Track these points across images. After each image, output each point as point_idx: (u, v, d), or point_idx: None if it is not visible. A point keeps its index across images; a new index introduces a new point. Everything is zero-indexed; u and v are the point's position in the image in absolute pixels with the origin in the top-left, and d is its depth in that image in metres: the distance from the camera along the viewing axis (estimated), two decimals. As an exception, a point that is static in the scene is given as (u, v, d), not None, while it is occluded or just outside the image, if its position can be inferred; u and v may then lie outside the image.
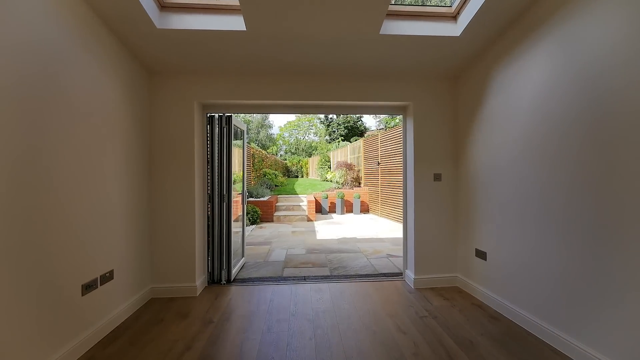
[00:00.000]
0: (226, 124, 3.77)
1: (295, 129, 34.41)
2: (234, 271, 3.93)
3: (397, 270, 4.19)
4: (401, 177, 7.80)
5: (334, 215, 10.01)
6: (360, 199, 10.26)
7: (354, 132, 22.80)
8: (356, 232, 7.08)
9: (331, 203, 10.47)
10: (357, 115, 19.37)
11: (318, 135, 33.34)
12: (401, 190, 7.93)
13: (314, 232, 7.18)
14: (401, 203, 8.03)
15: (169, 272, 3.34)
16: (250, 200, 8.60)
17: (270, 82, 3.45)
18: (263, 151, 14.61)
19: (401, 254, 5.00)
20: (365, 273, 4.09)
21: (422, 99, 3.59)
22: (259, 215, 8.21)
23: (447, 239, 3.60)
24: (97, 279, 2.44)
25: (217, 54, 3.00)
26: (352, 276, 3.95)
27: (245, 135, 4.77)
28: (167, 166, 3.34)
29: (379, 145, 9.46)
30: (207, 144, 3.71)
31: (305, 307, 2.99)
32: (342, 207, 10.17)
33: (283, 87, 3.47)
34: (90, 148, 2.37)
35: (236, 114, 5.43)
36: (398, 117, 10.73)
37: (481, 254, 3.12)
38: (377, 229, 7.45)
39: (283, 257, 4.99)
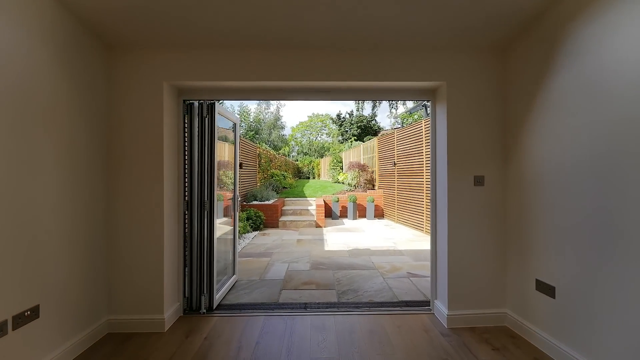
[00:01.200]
0: (208, 114, 3.04)
1: (307, 130, 33.80)
2: (218, 295, 3.19)
3: (422, 297, 3.34)
4: (421, 179, 6.88)
5: (345, 220, 9.18)
6: (374, 203, 9.39)
7: (367, 131, 21.89)
8: (370, 242, 6.23)
9: (342, 207, 9.65)
10: (370, 114, 18.46)
11: (331, 135, 32.54)
12: (420, 193, 7.01)
13: (322, 241, 6.38)
14: (420, 208, 7.12)
15: (130, 301, 2.63)
16: (253, 204, 7.91)
17: (263, 58, 2.69)
18: (271, 151, 13.96)
19: (425, 273, 4.13)
20: (382, 300, 3.26)
21: (459, 78, 2.74)
22: (263, 220, 7.51)
23: (492, 264, 2.73)
24: (5, 322, 1.73)
25: (193, 20, 2.26)
26: (365, 304, 3.13)
27: (239, 129, 4.04)
28: (130, 166, 2.63)
29: (395, 144, 8.58)
30: (185, 138, 2.99)
31: (302, 356, 2.20)
32: (355, 212, 9.33)
33: (280, 64, 2.70)
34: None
35: (222, 101, 4.71)
36: (417, 113, 9.80)
37: (546, 288, 2.24)
38: (394, 238, 6.57)
39: (283, 274, 4.22)
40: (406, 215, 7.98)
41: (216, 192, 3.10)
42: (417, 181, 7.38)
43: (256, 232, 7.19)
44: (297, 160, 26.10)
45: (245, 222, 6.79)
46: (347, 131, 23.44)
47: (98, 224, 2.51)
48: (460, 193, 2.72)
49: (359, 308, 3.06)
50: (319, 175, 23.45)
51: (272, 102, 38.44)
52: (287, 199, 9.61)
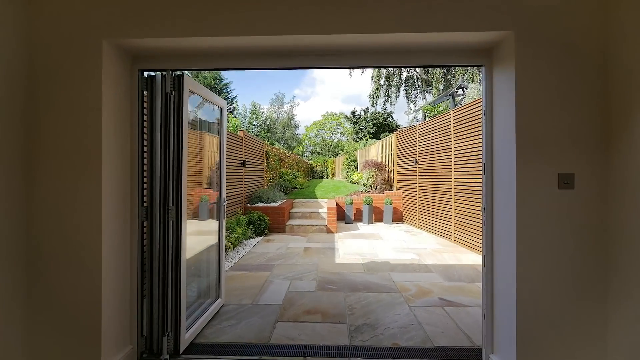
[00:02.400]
0: (174, 89, 2.26)
1: (321, 129, 32.98)
2: (191, 331, 2.41)
3: (466, 342, 2.43)
4: (448, 179, 5.89)
5: (359, 224, 8.28)
6: (393, 206, 8.44)
7: (383, 129, 20.84)
8: (389, 253, 5.31)
9: (357, 210, 8.75)
10: (387, 111, 17.37)
11: (345, 134, 31.59)
12: (447, 196, 6.02)
13: (332, 250, 5.53)
14: (448, 213, 6.13)
15: (56, 349, 1.88)
16: (257, 207, 7.15)
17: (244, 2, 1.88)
18: (281, 149, 13.23)
19: (462, 299, 3.20)
20: (411, 345, 2.38)
21: (536, 25, 1.82)
22: (267, 224, 6.74)
23: (587, 307, 1.79)
24: None
25: None
26: (386, 351, 2.26)
27: (225, 116, 3.25)
28: (57, 162, 1.88)
29: (417, 139, 7.60)
30: (144, 123, 2.23)
31: None
32: (370, 215, 8.40)
33: (274, 8, 1.88)
34: None
35: (194, 72, 3.92)
36: (442, 104, 8.75)
37: None
38: (417, 248, 5.62)
39: (282, 296, 3.40)
40: (430, 221, 6.99)
41: (185, 194, 2.30)
42: (443, 182, 6.39)
43: (259, 238, 6.42)
44: (311, 160, 25.32)
45: (247, 226, 6.04)
46: (362, 129, 22.46)
47: (15, 244, 1.77)
48: (536, 199, 1.80)
49: (380, 358, 2.19)
50: (332, 175, 22.56)
51: (285, 101, 38.00)
52: (296, 200, 8.82)
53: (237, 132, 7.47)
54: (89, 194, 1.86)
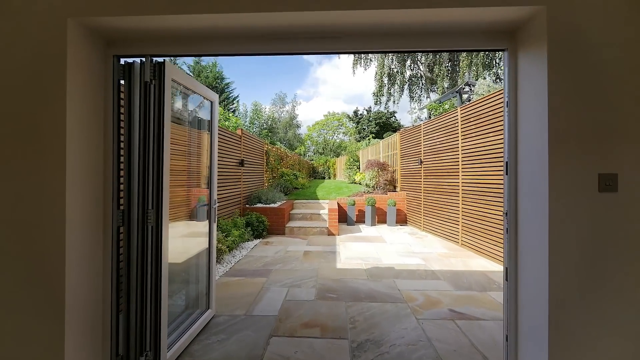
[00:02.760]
0: (155, 78, 2.01)
1: (323, 129, 32.74)
2: (175, 347, 2.17)
3: (483, 365, 2.15)
4: (455, 180, 5.61)
5: (362, 226, 8.01)
6: (396, 207, 8.16)
7: (386, 128, 20.55)
8: (393, 257, 5.04)
9: (359, 211, 8.49)
10: (390, 110, 17.07)
11: (348, 134, 31.32)
12: (454, 197, 5.74)
13: (334, 254, 5.26)
14: (455, 215, 5.84)
15: (12, 374, 1.63)
16: (256, 208, 6.90)
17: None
18: (282, 148, 12.99)
19: (475, 311, 2.93)
20: (420, 367, 2.11)
21: (569, 0, 1.55)
22: (266, 226, 6.48)
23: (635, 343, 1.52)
24: None
25: None
26: (394, 377, 1.99)
27: (217, 110, 3.00)
28: (10, 160, 1.64)
29: (422, 138, 7.32)
30: (119, 116, 1.98)
31: None
32: (373, 217, 8.13)
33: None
34: None
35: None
36: (448, 102, 8.45)
37: None
38: (423, 252, 5.35)
39: (278, 305, 3.14)
40: (435, 223, 6.71)
41: (167, 195, 2.05)
42: (449, 182, 6.11)
43: (258, 241, 6.17)
44: (313, 160, 25.08)
45: (244, 229, 5.79)
46: (364, 128, 22.19)
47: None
48: (572, 203, 1.53)
49: (385, 383, 1.93)
50: (334, 176, 22.31)
51: (287, 100, 37.82)
52: (296, 201, 8.56)
53: (235, 130, 7.23)
54: (50, 197, 1.62)
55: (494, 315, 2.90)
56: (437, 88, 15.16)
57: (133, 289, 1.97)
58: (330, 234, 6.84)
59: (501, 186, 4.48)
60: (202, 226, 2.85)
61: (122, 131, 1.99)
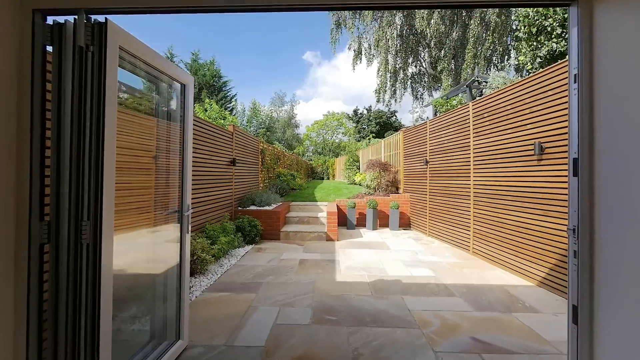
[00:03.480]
0: (94, 43, 1.49)
1: (322, 129, 32.25)
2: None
3: None
4: (466, 181, 5.10)
5: (363, 231, 7.49)
6: (399, 210, 7.65)
7: (386, 128, 20.06)
8: (399, 267, 4.53)
9: (360, 214, 7.97)
10: (391, 109, 16.53)
11: (347, 134, 30.82)
12: (465, 200, 5.22)
13: (333, 263, 4.74)
14: (465, 220, 5.33)
15: None
16: (249, 210, 6.38)
17: None
18: (279, 147, 12.48)
19: (502, 339, 2.40)
20: None
21: None
22: (260, 231, 5.96)
23: None
24: None
25: None
26: None
27: (192, 96, 2.48)
28: None
29: (428, 136, 6.81)
30: (43, 95, 1.46)
31: None
32: (375, 221, 7.62)
33: None
34: None
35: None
36: (456, 98, 7.93)
37: None
38: (431, 261, 4.84)
39: (266, 332, 2.62)
40: (443, 228, 6.20)
41: (111, 201, 1.53)
42: (459, 184, 5.60)
43: (250, 247, 5.65)
44: (311, 160, 24.57)
45: (234, 235, 5.26)
46: (364, 128, 21.70)
47: None
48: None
49: None
50: (333, 176, 21.82)
51: (286, 100, 37.33)
52: (293, 203, 8.04)
53: (226, 127, 6.70)
54: None
55: (527, 347, 2.39)
56: (440, 86, 14.63)
57: (62, 332, 1.45)
58: (329, 239, 6.32)
59: (524, 189, 3.98)
60: (174, 237, 2.33)
61: (48, 115, 1.47)
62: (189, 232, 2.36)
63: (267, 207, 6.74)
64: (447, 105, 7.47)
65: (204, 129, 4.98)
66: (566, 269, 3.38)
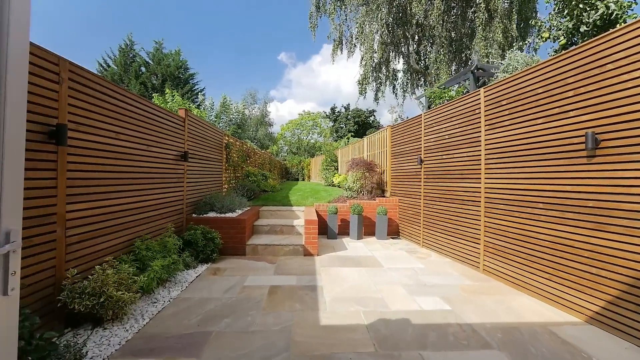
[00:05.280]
0: None
1: (297, 128, 30.94)
2: None
3: None
4: (476, 183, 4.18)
5: (346, 241, 6.38)
6: (387, 216, 6.65)
7: (365, 127, 19.25)
8: (401, 295, 3.45)
9: (342, 220, 6.87)
10: (376, 102, 15.57)
11: (322, 135, 29.78)
12: (475, 206, 4.28)
13: (314, 291, 3.56)
14: (475, 230, 4.39)
15: None
16: (205, 218, 5.01)
17: None
18: (249, 143, 11.09)
19: None
20: None
21: None
22: (218, 245, 4.63)
23: None
24: None
25: None
26: None
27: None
28: None
29: (423, 131, 5.87)
30: None
31: None
32: (360, 228, 6.55)
33: None
34: None
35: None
36: (457, 87, 7.08)
37: None
38: (438, 285, 3.82)
39: None
40: (441, 239, 5.25)
41: None
42: (465, 187, 4.67)
43: (204, 268, 4.30)
44: (285, 160, 23.22)
45: (178, 254, 3.89)
46: (342, 127, 20.76)
47: None
48: None
49: None
50: (309, 177, 20.66)
51: (259, 97, 35.62)
52: (264, 207, 6.75)
53: (176, 110, 5.29)
54: None
55: None
56: (429, 81, 13.83)
57: None
58: (307, 253, 5.12)
59: (565, 194, 3.06)
60: None
61: None
62: (12, 289, 1.06)
63: (230, 214, 5.40)
64: (446, 97, 6.62)
65: (132, 105, 3.59)
66: (635, 303, 2.47)
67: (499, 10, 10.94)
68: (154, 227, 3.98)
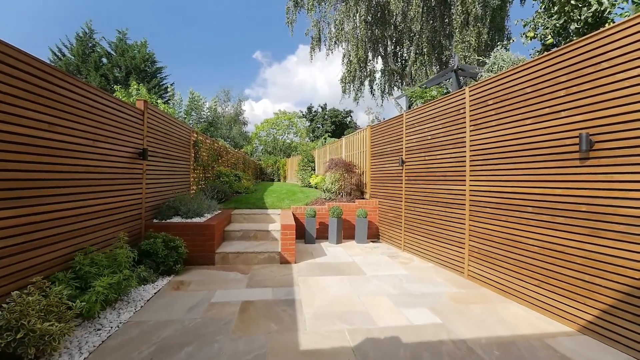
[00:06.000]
0: None
1: (273, 128, 30.24)
2: None
3: None
4: (461, 185, 4.01)
5: (325, 245, 6.05)
6: (367, 219, 6.40)
7: (342, 127, 19.11)
8: (388, 308, 3.17)
9: (320, 224, 6.53)
10: (346, 109, 15.44)
11: (298, 134, 29.32)
12: (459, 209, 4.13)
13: (292, 306, 3.18)
14: (459, 234, 4.24)
15: None
16: (169, 224, 4.45)
17: None
18: (220, 142, 10.44)
19: None
20: None
21: None
22: (182, 254, 4.09)
23: None
24: None
25: None
26: None
27: None
28: None
29: (404, 132, 5.70)
30: None
31: None
32: (339, 232, 6.25)
33: None
34: None
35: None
36: (437, 87, 6.99)
37: None
38: (425, 294, 3.59)
39: None
40: (424, 243, 5.08)
41: None
42: (449, 189, 4.51)
43: (165, 281, 3.77)
44: (260, 160, 22.51)
45: (131, 269, 3.32)
46: (319, 127, 20.50)
47: None
48: None
49: None
50: (285, 178, 20.15)
51: (233, 95, 34.45)
52: (236, 211, 6.24)
53: (134, 101, 4.68)
54: None
55: None
56: (407, 83, 13.85)
57: None
58: (283, 261, 4.71)
59: (557, 198, 2.92)
60: None
61: None
62: None
63: (197, 219, 4.86)
64: (427, 96, 6.50)
65: (73, 91, 3.00)
66: (632, 312, 2.35)
67: (472, 14, 11.18)
68: (101, 238, 3.38)
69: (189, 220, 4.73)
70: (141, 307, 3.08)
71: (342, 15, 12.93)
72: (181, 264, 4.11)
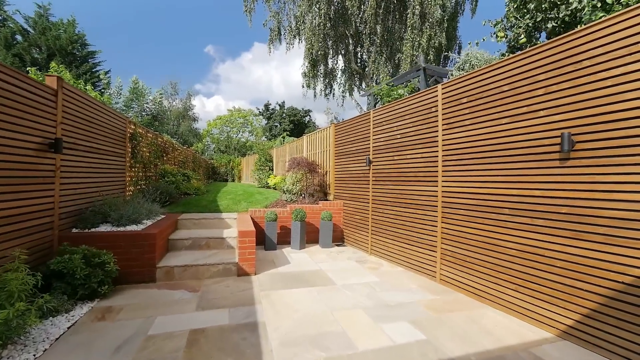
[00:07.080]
0: None
1: (227, 125, 28.53)
2: None
3: None
4: (433, 186, 3.82)
5: (287, 251, 5.53)
6: (332, 221, 6.04)
7: (301, 127, 18.67)
8: (366, 325, 2.80)
9: (282, 228, 5.99)
10: (305, 108, 15.09)
11: (254, 134, 28.08)
12: (431, 212, 3.95)
13: (255, 332, 2.63)
14: (431, 237, 4.07)
15: None
16: (95, 235, 3.55)
17: None
18: (165, 137, 9.26)
19: None
20: None
21: None
22: (113, 272, 3.26)
23: None
24: None
25: None
26: None
27: None
28: None
29: (372, 130, 5.46)
30: None
31: None
32: (302, 236, 5.78)
33: None
34: None
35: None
36: (402, 86, 6.88)
37: None
38: (402, 304, 3.31)
39: None
40: (393, 246, 4.86)
41: None
42: (421, 190, 4.34)
43: (85, 309, 2.92)
44: (213, 159, 20.98)
45: (30, 300, 2.46)
46: (277, 125, 19.78)
47: None
48: None
49: None
50: (240, 178, 19.01)
51: (181, 88, 31.82)
52: (184, 216, 5.39)
53: (40, 77, 3.73)
54: None
55: None
56: (364, 84, 13.86)
57: None
58: (242, 273, 4.09)
59: (535, 199, 2.83)
60: None
61: None
62: None
63: (133, 227, 3.99)
64: (395, 94, 6.36)
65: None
66: (615, 317, 2.30)
67: (429, 15, 11.60)
68: (-14, 257, 2.45)
69: (121, 229, 3.85)
70: (45, 349, 2.26)
71: (303, 8, 12.47)
72: (109, 284, 3.26)
